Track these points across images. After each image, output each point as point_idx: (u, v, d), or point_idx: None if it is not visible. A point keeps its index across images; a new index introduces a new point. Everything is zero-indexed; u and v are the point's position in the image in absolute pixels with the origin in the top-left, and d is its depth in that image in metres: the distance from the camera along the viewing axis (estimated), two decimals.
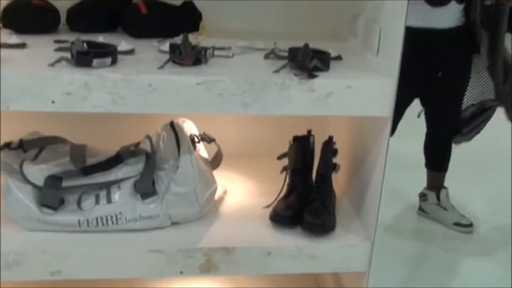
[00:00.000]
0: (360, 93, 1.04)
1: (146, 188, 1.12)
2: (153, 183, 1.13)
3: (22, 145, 1.19)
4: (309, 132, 1.30)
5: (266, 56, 1.16)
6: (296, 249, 1.13)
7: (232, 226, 1.19)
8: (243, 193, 1.35)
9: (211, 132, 1.28)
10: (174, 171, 1.13)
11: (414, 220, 1.96)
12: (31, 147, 1.20)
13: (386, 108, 1.05)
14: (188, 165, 1.13)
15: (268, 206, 1.27)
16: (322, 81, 1.02)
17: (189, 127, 1.24)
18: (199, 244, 1.11)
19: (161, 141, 1.20)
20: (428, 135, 1.93)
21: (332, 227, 1.18)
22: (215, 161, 1.32)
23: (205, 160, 1.24)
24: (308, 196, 1.23)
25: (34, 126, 1.28)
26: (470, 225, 1.86)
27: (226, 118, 1.53)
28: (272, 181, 1.34)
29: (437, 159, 1.94)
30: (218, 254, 1.11)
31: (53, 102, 0.97)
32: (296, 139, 1.29)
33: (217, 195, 1.28)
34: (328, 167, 1.25)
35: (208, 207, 1.21)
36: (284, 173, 1.29)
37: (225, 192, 1.34)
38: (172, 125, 1.22)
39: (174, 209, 1.14)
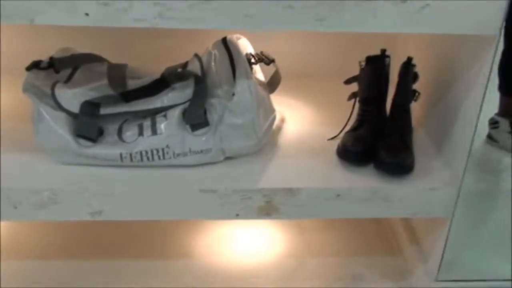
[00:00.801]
0: (463, 5, 0.83)
1: (196, 117, 0.96)
2: (205, 112, 0.97)
3: (53, 64, 1.02)
4: (384, 51, 1.10)
5: None
6: (369, 191, 0.98)
7: (294, 162, 1.03)
8: (303, 121, 1.18)
9: (262, 48, 1.09)
10: (229, 99, 0.96)
11: (481, 148, 1.77)
12: (64, 66, 1.04)
13: (495, 24, 0.84)
14: (245, 91, 0.96)
15: (333, 138, 1.10)
16: None
17: (245, 45, 1.06)
18: (258, 184, 0.96)
19: (213, 61, 1.02)
20: (505, 54, 1.69)
21: (411, 166, 1.01)
22: (272, 84, 1.15)
23: (262, 84, 1.06)
24: (382, 129, 1.05)
25: (64, 42, 1.11)
26: None
27: (280, 32, 1.33)
28: (336, 107, 1.17)
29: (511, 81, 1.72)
30: (280, 196, 0.96)
31: (86, 14, 0.79)
32: (369, 60, 1.09)
33: (274, 125, 1.12)
34: (407, 94, 1.06)
35: (266, 139, 1.05)
36: (352, 100, 1.11)
37: (283, 121, 1.18)
38: (225, 42, 1.04)
39: (228, 142, 0.98)
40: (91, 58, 1.08)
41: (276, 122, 1.14)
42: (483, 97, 0.93)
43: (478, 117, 0.95)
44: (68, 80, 1.02)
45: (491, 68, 0.90)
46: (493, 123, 1.76)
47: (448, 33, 0.85)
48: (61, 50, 1.07)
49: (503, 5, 0.83)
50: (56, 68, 1.02)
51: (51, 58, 1.03)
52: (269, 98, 1.07)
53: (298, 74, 1.33)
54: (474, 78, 0.94)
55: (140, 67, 1.09)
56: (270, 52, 1.11)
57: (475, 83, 0.94)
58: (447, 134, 1.05)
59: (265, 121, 1.02)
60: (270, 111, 1.06)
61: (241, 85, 0.96)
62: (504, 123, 1.74)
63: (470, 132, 0.96)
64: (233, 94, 0.96)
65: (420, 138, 1.13)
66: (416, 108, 1.15)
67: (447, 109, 1.05)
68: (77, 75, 1.04)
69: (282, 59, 1.19)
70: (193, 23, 0.80)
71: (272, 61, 1.05)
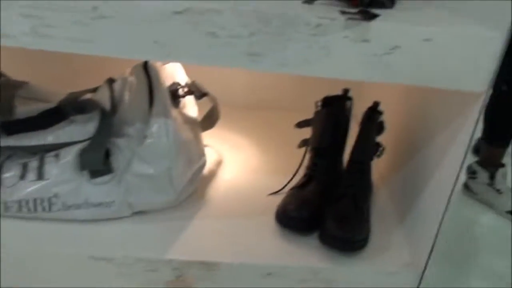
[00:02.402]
0: (443, 51, 0.63)
1: (96, 161, 0.75)
2: (108, 155, 0.76)
3: None
4: (346, 92, 0.90)
5: None
6: (310, 271, 0.77)
7: (220, 224, 0.82)
8: (245, 166, 0.98)
9: (207, 75, 0.89)
10: (140, 142, 0.75)
11: (456, 201, 1.59)
12: None
13: (482, 79, 0.65)
14: (161, 133, 0.75)
15: (275, 193, 0.90)
16: (382, 26, 0.62)
17: (173, 72, 0.85)
18: (168, 254, 0.75)
19: (127, 90, 0.81)
20: (493, 100, 1.49)
21: (365, 241, 0.81)
22: (209, 121, 0.94)
23: (191, 121, 0.85)
24: (335, 189, 0.85)
25: None
26: None
27: None
28: (289, 150, 0.97)
29: (498, 130, 1.53)
30: (194, 270, 0.75)
31: None
32: (326, 101, 0.89)
33: (206, 168, 0.92)
34: (369, 149, 0.86)
35: (190, 192, 0.85)
36: (304, 149, 0.91)
37: (218, 164, 0.97)
38: (146, 67, 0.82)
39: (136, 195, 0.77)
40: None
41: (210, 165, 0.94)
42: (463, 163, 0.73)
43: (454, 186, 0.75)
44: None
45: (475, 128, 0.70)
46: (471, 173, 1.58)
47: (421, 85, 0.65)
48: None
49: (496, 54, 0.63)
50: None
51: None
52: (198, 140, 0.86)
53: (250, 104, 1.14)
54: (453, 137, 0.74)
55: (44, 87, 0.87)
56: (215, 76, 0.91)
57: (453, 144, 0.74)
58: (413, 201, 0.85)
59: (188, 170, 0.81)
60: (197, 156, 0.85)
61: (156, 125, 0.75)
62: (483, 174, 1.55)
63: (442, 202, 0.76)
64: (145, 136, 0.75)
65: (381, 200, 0.93)
66: (380, 162, 0.95)
67: (417, 169, 0.86)
68: None
69: (232, 85, 1.00)
70: (77, 46, 0.59)
71: (204, 94, 0.84)
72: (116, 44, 0.60)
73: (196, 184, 0.86)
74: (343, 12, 0.61)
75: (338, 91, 0.90)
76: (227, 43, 0.61)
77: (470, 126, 0.69)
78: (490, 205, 1.53)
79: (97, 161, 0.74)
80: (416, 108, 0.89)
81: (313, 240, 0.81)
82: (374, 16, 0.62)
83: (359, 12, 0.61)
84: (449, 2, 0.73)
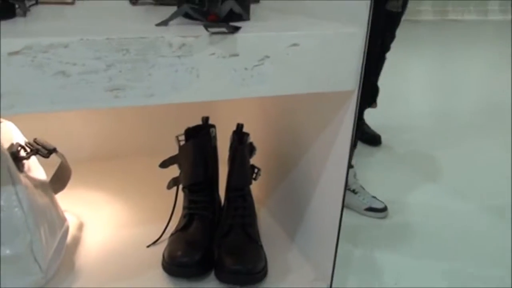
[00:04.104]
0: (311, 54, 0.61)
1: None
2: None
3: None
4: (206, 120, 0.85)
5: (134, 1, 0.70)
6: None
7: None
8: (110, 223, 0.87)
9: (51, 129, 0.77)
10: None
11: None
12: None
13: (351, 77, 0.64)
14: (12, 204, 0.62)
15: (155, 243, 0.81)
16: (249, 37, 0.58)
17: (8, 133, 0.72)
18: None
19: None
20: None
21: (265, 268, 0.76)
22: (60, 180, 0.82)
23: (42, 185, 0.72)
24: (218, 222, 0.79)
25: None
26: (384, 209, 1.56)
27: None
28: (157, 197, 0.88)
29: None
30: None
31: None
32: (190, 133, 0.83)
33: (69, 236, 0.79)
34: (246, 173, 0.81)
35: (57, 265, 0.71)
36: (175, 189, 0.83)
37: (80, 227, 0.85)
38: None
39: None
40: None
41: (71, 231, 0.82)
42: (349, 163, 0.72)
43: (345, 190, 0.74)
44: None
45: (354, 126, 0.69)
46: None
47: (296, 93, 0.62)
48: None
49: (360, 50, 0.63)
50: None
51: None
52: (55, 204, 0.74)
53: (98, 156, 1.03)
54: (332, 141, 0.73)
55: None
56: (57, 132, 0.79)
57: (334, 148, 0.73)
58: (302, 215, 0.82)
59: (52, 241, 0.69)
60: (58, 223, 0.72)
61: (4, 196, 0.62)
62: None
63: (335, 209, 0.74)
64: None
65: (264, 223, 0.89)
66: (254, 185, 0.91)
67: (299, 183, 0.83)
68: None
69: (72, 136, 0.88)
70: None
71: (53, 151, 0.72)
72: None
73: (62, 255, 0.73)
74: (206, 27, 0.55)
75: (186, 126, 0.84)
76: (82, 81, 0.52)
77: (349, 125, 0.68)
78: (349, 206, 1.58)
79: None
80: (281, 122, 0.87)
81: (210, 282, 0.73)
82: (237, 28, 0.58)
83: (225, 25, 0.57)
84: (306, 6, 0.72)
